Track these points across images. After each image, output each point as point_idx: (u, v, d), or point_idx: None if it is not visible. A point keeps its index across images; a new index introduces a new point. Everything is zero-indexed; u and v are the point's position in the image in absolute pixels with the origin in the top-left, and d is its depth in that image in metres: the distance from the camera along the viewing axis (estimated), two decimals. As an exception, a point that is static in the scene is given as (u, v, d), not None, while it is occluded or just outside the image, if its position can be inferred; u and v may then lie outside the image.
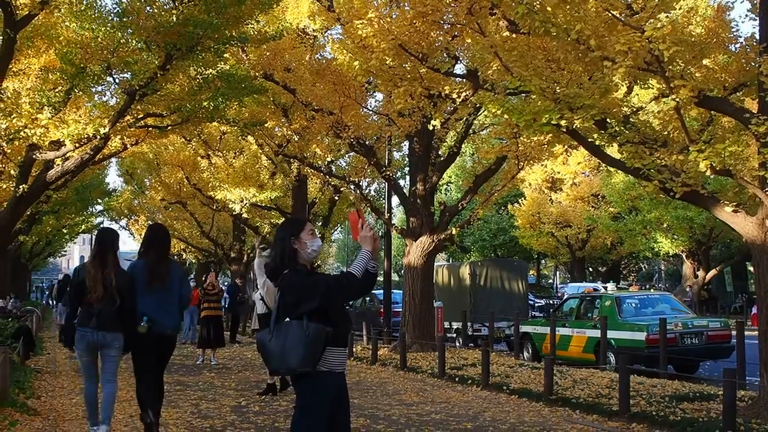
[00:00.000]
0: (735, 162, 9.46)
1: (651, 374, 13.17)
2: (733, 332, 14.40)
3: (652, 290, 36.75)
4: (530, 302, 29.52)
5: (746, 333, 13.23)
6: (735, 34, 12.02)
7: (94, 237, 8.70)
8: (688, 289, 35.18)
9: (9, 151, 14.43)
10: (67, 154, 13.41)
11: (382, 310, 23.18)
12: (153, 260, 7.63)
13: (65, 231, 37.60)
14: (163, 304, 7.53)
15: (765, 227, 9.15)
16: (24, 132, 12.11)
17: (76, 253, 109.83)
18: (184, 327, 22.46)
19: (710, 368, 15.35)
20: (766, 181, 9.16)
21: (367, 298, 26.26)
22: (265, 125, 20.87)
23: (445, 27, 12.19)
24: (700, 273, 34.45)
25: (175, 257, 46.15)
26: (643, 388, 11.46)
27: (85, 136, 12.29)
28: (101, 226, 10.69)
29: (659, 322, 13.90)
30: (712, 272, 34.97)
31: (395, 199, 24.45)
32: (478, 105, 14.93)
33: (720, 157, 8.89)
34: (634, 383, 11.26)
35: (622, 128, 10.02)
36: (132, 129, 13.95)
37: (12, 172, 17.23)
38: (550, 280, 66.37)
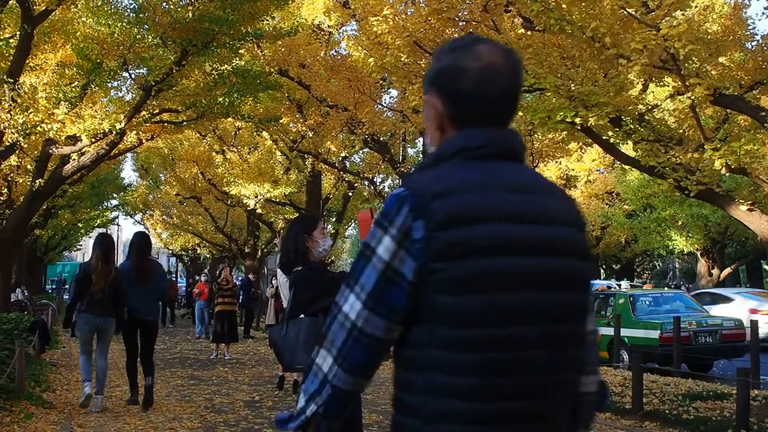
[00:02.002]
0: (750, 160, 9.43)
1: (664, 373, 13.14)
2: (747, 331, 14.35)
3: (682, 287, 36.67)
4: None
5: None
6: (751, 31, 11.98)
7: (95, 240, 9.86)
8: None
9: (26, 145, 14.50)
10: (83, 149, 13.49)
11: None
12: (138, 261, 9.66)
13: (81, 225, 37.82)
14: (146, 297, 9.51)
15: (780, 226, 9.12)
16: (40, 127, 12.17)
17: (91, 248, 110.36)
18: (197, 322, 22.64)
19: (724, 367, 15.29)
20: (782, 180, 9.12)
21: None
22: (280, 121, 20.92)
23: (460, 24, 12.17)
24: (715, 271, 34.27)
25: (190, 252, 46.43)
26: (657, 387, 11.43)
27: (101, 131, 12.35)
28: (100, 232, 11.27)
29: (673, 320, 13.86)
30: (727, 270, 34.77)
31: (409, 196, 24.41)
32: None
33: (735, 156, 8.86)
34: (647, 381, 11.23)
35: (637, 126, 10.01)
36: (147, 124, 14.01)
37: (29, 166, 17.34)
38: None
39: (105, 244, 9.39)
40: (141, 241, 9.97)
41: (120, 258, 18.27)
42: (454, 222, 1.73)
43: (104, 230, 53.69)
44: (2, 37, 12.62)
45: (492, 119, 1.88)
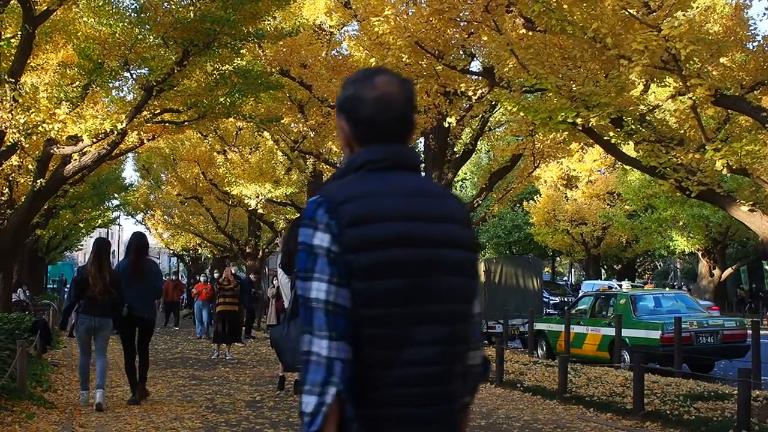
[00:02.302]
0: (752, 161, 9.43)
1: (665, 373, 13.14)
2: (749, 331, 14.36)
3: (683, 288, 36.68)
4: (545, 300, 29.47)
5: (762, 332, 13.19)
6: (753, 32, 12.00)
7: (92, 244, 10.18)
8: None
9: (27, 145, 14.50)
10: (85, 149, 13.50)
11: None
12: (134, 261, 9.99)
13: (82, 225, 37.77)
14: (142, 295, 9.80)
15: (781, 227, 9.12)
16: (42, 127, 12.17)
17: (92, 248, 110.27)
18: (197, 322, 22.65)
19: (725, 367, 15.29)
20: (783, 181, 9.12)
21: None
22: (281, 121, 20.92)
23: (462, 24, 12.19)
24: (716, 272, 34.28)
25: (191, 252, 46.45)
26: (658, 387, 11.43)
27: (103, 131, 12.35)
28: (98, 236, 11.45)
29: (674, 320, 13.86)
30: (728, 271, 34.79)
31: (410, 196, 24.43)
32: (493, 102, 14.93)
33: (736, 156, 8.86)
34: (648, 382, 11.23)
35: (639, 126, 10.01)
36: (149, 124, 14.02)
37: (30, 166, 17.35)
38: (565, 278, 66.22)
39: (100, 247, 9.76)
40: (139, 241, 10.24)
41: (119, 258, 18.26)
42: (358, 222, 2.11)
43: (105, 230, 53.75)
44: (4, 37, 12.62)
45: (390, 138, 2.27)
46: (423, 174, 2.40)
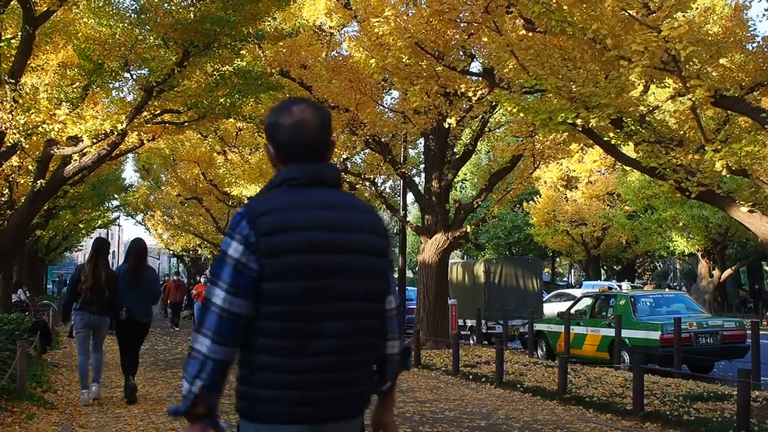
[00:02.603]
0: (751, 162, 9.45)
1: (665, 374, 13.15)
2: (748, 332, 14.36)
3: (682, 288, 36.66)
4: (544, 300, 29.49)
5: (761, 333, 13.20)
6: (752, 33, 12.02)
7: (92, 243, 10.64)
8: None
9: (27, 146, 14.50)
10: (85, 150, 13.50)
11: (396, 306, 23.21)
12: (134, 265, 10.26)
13: (82, 226, 37.77)
14: (140, 299, 10.04)
15: (781, 227, 9.12)
16: (42, 127, 12.18)
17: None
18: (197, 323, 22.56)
19: (725, 368, 15.30)
20: (783, 182, 9.12)
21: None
22: (281, 122, 20.88)
23: (462, 25, 12.19)
24: (716, 272, 34.29)
25: (191, 252, 46.44)
26: (657, 388, 11.44)
27: (103, 131, 12.36)
28: (96, 236, 11.62)
29: (674, 321, 13.87)
30: (728, 271, 34.80)
31: (410, 197, 24.49)
32: (493, 103, 14.94)
33: (736, 157, 8.88)
34: (648, 382, 11.24)
35: (638, 127, 10.02)
36: (149, 125, 14.03)
37: (30, 167, 17.36)
38: (565, 278, 66.22)
39: (97, 247, 10.24)
40: (138, 247, 10.50)
41: (119, 259, 18.29)
42: (273, 232, 2.46)
43: (105, 230, 53.72)
44: (4, 38, 12.62)
45: (308, 158, 2.62)
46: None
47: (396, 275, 22.51)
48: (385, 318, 2.73)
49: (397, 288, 2.88)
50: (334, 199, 2.61)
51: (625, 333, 14.90)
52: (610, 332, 15.23)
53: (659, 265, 59.06)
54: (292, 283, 2.46)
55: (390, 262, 2.74)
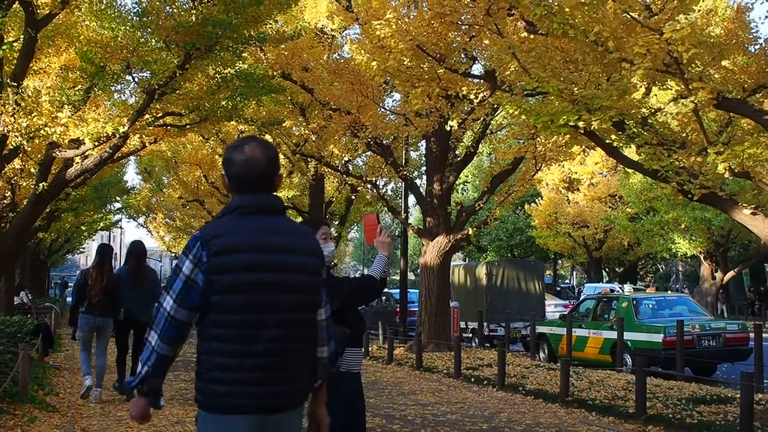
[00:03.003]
0: (754, 164, 9.43)
1: (668, 376, 13.13)
2: (751, 334, 14.34)
3: (685, 290, 36.62)
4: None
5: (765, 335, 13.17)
6: (754, 35, 11.99)
7: (96, 249, 11.05)
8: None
9: (29, 149, 14.48)
10: (87, 153, 13.50)
11: (398, 309, 23.22)
12: (134, 267, 10.71)
13: (84, 228, 37.80)
14: (141, 299, 10.25)
15: (784, 230, 9.10)
16: (44, 130, 12.17)
17: (94, 251, 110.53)
18: None
19: (728, 371, 15.28)
20: (785, 184, 9.11)
21: (383, 298, 26.29)
22: (283, 124, 20.94)
23: (463, 28, 12.18)
24: (718, 274, 34.24)
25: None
26: (660, 391, 11.43)
27: (105, 134, 12.35)
28: (101, 243, 11.97)
29: (676, 323, 13.85)
30: (730, 274, 34.74)
31: (412, 199, 24.49)
32: (495, 105, 14.93)
33: (739, 159, 8.86)
34: (650, 385, 11.23)
35: (640, 130, 10.00)
36: (151, 128, 14.02)
37: (32, 170, 17.37)
38: (567, 281, 66.16)
39: (102, 254, 10.69)
40: (138, 249, 10.93)
41: (121, 262, 18.35)
42: (222, 252, 2.98)
43: (107, 233, 53.66)
44: (6, 41, 12.62)
45: (256, 189, 3.13)
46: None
47: (398, 277, 22.50)
48: (317, 327, 3.26)
49: (328, 302, 3.38)
50: (276, 225, 3.13)
51: (628, 335, 14.88)
52: (613, 335, 15.22)
53: (661, 268, 58.98)
54: (237, 296, 2.98)
55: (322, 280, 3.26)
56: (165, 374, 3.11)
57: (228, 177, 3.17)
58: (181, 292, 3.00)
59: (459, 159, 19.62)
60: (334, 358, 3.51)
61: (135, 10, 12.42)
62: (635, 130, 9.94)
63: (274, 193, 3.21)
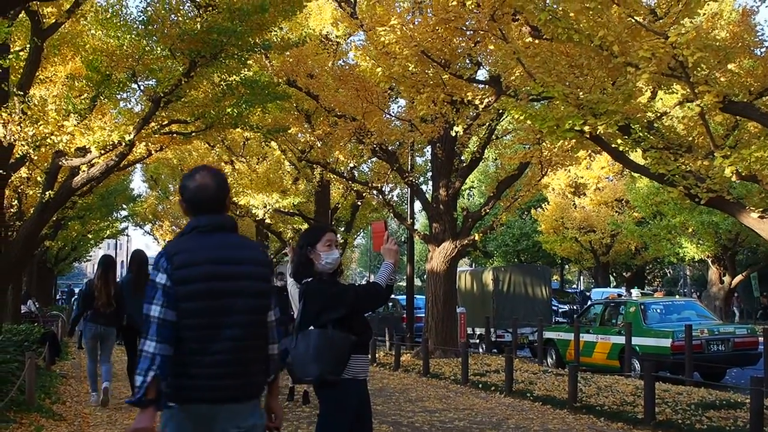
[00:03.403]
0: (761, 167, 9.38)
1: (676, 381, 13.07)
2: (761, 339, 14.28)
3: (694, 295, 36.50)
4: (553, 308, 29.39)
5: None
6: (760, 38, 11.95)
7: (99, 261, 11.30)
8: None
9: (36, 157, 14.51)
10: (93, 161, 13.50)
11: (404, 315, 23.17)
12: (136, 275, 10.94)
13: (90, 236, 37.85)
14: (142, 306, 10.26)
15: (792, 233, 9.06)
16: (50, 139, 12.19)
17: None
18: None
19: (737, 375, 15.20)
20: (793, 187, 9.06)
21: (390, 304, 26.26)
22: (288, 131, 20.93)
23: (468, 33, 12.17)
24: (726, 278, 34.11)
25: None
26: (669, 396, 11.38)
27: (111, 142, 12.36)
28: (104, 254, 12.26)
29: (685, 328, 13.79)
30: (738, 277, 34.61)
31: (418, 205, 24.45)
32: (500, 111, 14.92)
33: (746, 163, 8.82)
34: (659, 391, 11.18)
35: (646, 134, 9.98)
36: (157, 135, 14.02)
37: (39, 178, 17.38)
38: (574, 286, 66.02)
39: (105, 265, 11.00)
40: (140, 257, 11.29)
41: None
42: (182, 266, 3.47)
43: (114, 241, 53.72)
44: (13, 51, 12.67)
45: (210, 211, 3.63)
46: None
47: (404, 283, 22.45)
48: (267, 328, 3.73)
49: (277, 306, 3.94)
50: (228, 240, 3.63)
51: (636, 340, 14.83)
52: (621, 340, 15.16)
53: (669, 272, 58.83)
54: (197, 303, 3.46)
55: (272, 287, 3.80)
56: (168, 376, 3.41)
57: (184, 201, 3.69)
58: (163, 297, 3.46)
59: (465, 164, 19.60)
60: (285, 355, 4.17)
61: (140, 19, 12.41)
62: (641, 134, 9.91)
63: (226, 213, 3.74)
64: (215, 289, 3.50)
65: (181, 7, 12.52)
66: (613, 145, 10.53)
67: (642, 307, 15.75)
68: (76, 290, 32.23)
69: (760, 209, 9.44)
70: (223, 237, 3.62)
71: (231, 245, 3.62)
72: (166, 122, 13.90)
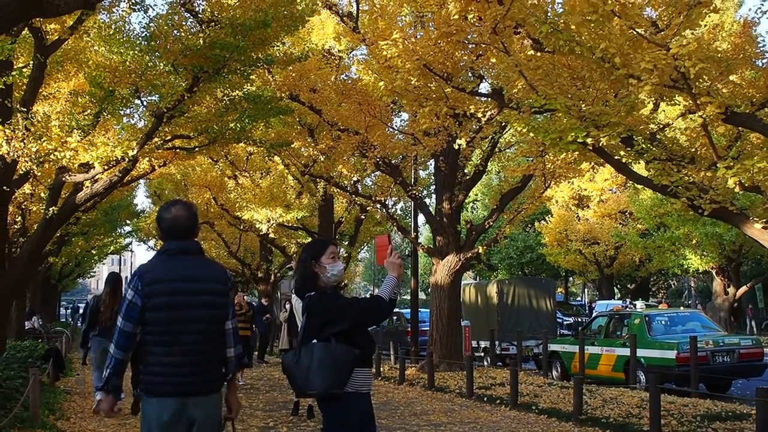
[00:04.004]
0: (764, 178, 9.38)
1: (682, 393, 13.02)
2: (766, 350, 14.22)
3: (698, 306, 36.37)
4: (558, 320, 29.31)
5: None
6: (762, 49, 11.92)
7: (106, 278, 12.04)
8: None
9: (39, 174, 14.54)
10: (96, 177, 13.53)
11: (409, 329, 23.13)
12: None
13: (94, 252, 37.88)
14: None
15: (796, 244, 9.03)
16: (54, 155, 12.22)
17: (104, 274, 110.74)
18: None
19: (743, 387, 15.14)
20: (797, 198, 9.05)
21: (394, 317, 26.22)
22: (292, 145, 20.98)
23: (470, 47, 12.19)
24: (731, 290, 34.02)
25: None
26: (675, 408, 11.33)
27: (114, 158, 12.38)
28: (111, 271, 12.73)
29: (690, 340, 13.74)
30: (743, 289, 34.51)
31: (421, 218, 24.46)
32: (503, 123, 14.93)
33: (749, 174, 8.82)
34: (664, 402, 11.13)
35: (649, 145, 9.97)
36: (160, 151, 14.06)
37: (42, 194, 17.41)
38: (579, 298, 65.86)
39: (114, 282, 11.73)
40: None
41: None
42: (151, 283, 4.22)
43: (118, 256, 53.73)
44: (16, 67, 12.70)
45: (180, 237, 4.40)
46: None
47: (408, 297, 22.39)
48: (225, 334, 4.43)
49: (235, 318, 4.56)
50: (192, 262, 4.40)
51: (641, 352, 14.78)
52: (625, 352, 15.12)
53: (673, 284, 58.69)
54: (161, 313, 4.23)
55: (228, 300, 4.46)
56: (123, 374, 4.30)
57: (160, 229, 4.49)
58: (126, 311, 4.25)
59: (468, 177, 19.61)
60: (242, 356, 4.64)
61: (143, 35, 12.46)
62: (644, 145, 9.91)
63: (194, 239, 4.49)
64: (176, 302, 4.25)
65: (184, 23, 12.57)
66: (616, 157, 10.53)
67: (647, 318, 15.71)
68: (81, 306, 32.29)
69: (764, 220, 9.43)
70: (188, 259, 4.39)
71: (194, 266, 4.39)
72: (169, 137, 13.94)
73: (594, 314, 25.44)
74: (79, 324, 46.77)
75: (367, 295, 5.19)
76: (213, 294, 4.34)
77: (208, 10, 12.50)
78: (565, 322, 34.69)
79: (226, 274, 4.51)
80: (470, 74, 14.51)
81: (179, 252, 4.36)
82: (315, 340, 4.66)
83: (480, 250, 18.94)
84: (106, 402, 4.31)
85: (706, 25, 13.34)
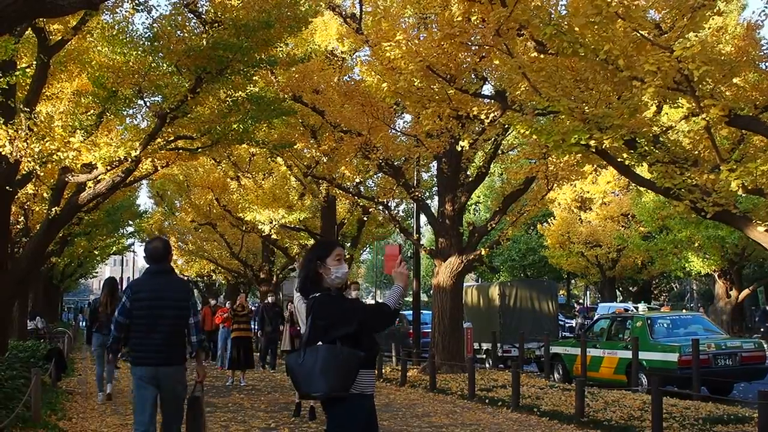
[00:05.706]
0: (767, 181, 9.36)
1: (684, 396, 13.00)
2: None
3: (700, 309, 36.33)
4: (560, 323, 29.30)
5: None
6: (765, 52, 11.92)
7: (103, 283, 14.19)
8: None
9: (42, 174, 14.56)
10: (99, 177, 13.55)
11: (411, 330, 23.12)
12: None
13: (97, 252, 37.91)
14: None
15: (799, 247, 9.02)
16: (57, 155, 12.24)
17: (107, 275, 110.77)
18: (218, 351, 21.87)
19: (744, 390, 15.12)
20: (800, 201, 9.03)
21: (396, 319, 26.16)
22: (294, 147, 20.97)
23: (473, 48, 12.19)
24: (733, 292, 33.97)
25: (205, 278, 46.49)
26: (677, 411, 11.32)
27: (117, 158, 12.40)
28: (108, 276, 13.50)
29: (692, 342, 13.73)
30: (745, 292, 34.46)
31: (424, 220, 24.45)
32: (506, 125, 14.92)
33: (752, 176, 8.81)
34: (666, 405, 11.11)
35: (652, 148, 9.96)
36: (163, 151, 14.05)
37: (45, 194, 17.43)
38: (581, 300, 65.81)
39: (111, 286, 13.58)
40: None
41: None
42: (136, 292, 6.78)
43: (120, 257, 53.77)
44: (19, 67, 12.72)
45: (158, 262, 6.87)
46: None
47: (411, 299, 22.32)
48: (188, 326, 6.79)
49: (198, 315, 6.98)
50: (165, 279, 6.81)
51: (643, 355, 14.77)
52: (627, 354, 15.10)
53: (676, 286, 58.64)
54: (142, 312, 6.61)
55: (191, 304, 6.85)
56: (120, 344, 6.92)
57: (144, 256, 6.84)
58: (121, 309, 6.72)
59: (470, 179, 19.60)
60: (201, 341, 6.95)
61: (146, 35, 12.48)
62: (647, 148, 9.90)
63: (167, 263, 6.89)
64: (152, 305, 6.64)
65: (187, 24, 12.59)
66: (618, 160, 10.52)
67: (649, 321, 15.69)
68: (83, 307, 32.45)
69: (767, 223, 9.41)
70: (162, 276, 6.82)
71: (165, 281, 6.79)
72: (172, 138, 13.94)
73: (596, 317, 25.41)
74: (81, 324, 47.00)
75: (370, 297, 5.27)
76: (178, 300, 6.78)
77: (212, 10, 12.52)
78: (567, 325, 34.67)
79: (187, 287, 7.13)
80: (473, 76, 14.51)
81: (156, 272, 6.85)
82: (320, 342, 4.65)
83: (482, 252, 18.93)
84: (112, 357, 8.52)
85: (709, 28, 13.33)
